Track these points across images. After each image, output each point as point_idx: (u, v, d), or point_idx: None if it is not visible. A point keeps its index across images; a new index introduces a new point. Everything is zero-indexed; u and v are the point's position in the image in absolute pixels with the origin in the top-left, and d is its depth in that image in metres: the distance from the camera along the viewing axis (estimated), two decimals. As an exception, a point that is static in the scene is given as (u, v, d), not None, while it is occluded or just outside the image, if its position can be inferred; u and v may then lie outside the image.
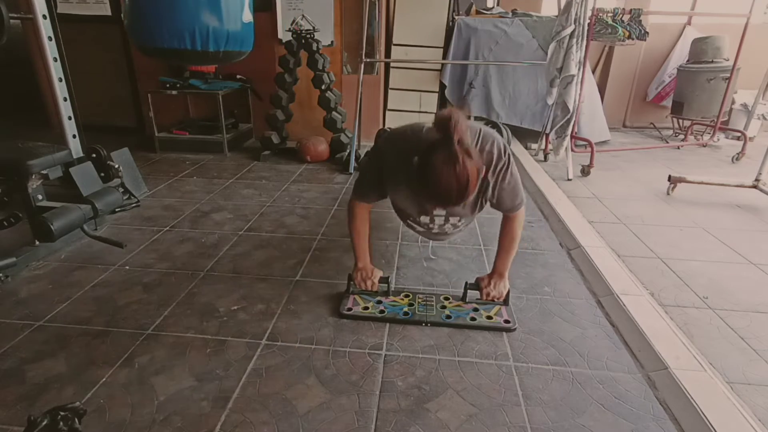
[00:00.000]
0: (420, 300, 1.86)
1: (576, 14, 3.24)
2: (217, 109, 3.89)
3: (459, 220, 1.82)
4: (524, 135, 4.58)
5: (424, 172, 1.33)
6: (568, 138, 3.47)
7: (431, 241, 2.28)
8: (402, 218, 1.94)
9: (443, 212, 1.77)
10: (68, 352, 1.55)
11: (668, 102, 5.00)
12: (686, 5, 5.06)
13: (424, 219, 1.82)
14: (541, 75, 4.42)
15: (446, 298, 1.88)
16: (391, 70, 4.61)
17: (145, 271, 2.09)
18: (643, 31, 4.21)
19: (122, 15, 2.21)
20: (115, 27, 4.36)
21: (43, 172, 2.17)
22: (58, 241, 2.12)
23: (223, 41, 2.14)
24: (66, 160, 2.30)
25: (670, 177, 3.18)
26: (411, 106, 4.71)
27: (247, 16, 2.25)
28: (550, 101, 3.53)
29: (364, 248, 1.88)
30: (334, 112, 3.81)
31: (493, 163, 1.58)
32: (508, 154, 1.61)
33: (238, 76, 4.29)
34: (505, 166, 1.60)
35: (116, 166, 2.64)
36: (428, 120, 2.96)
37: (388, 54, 4.55)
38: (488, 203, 1.70)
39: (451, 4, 4.51)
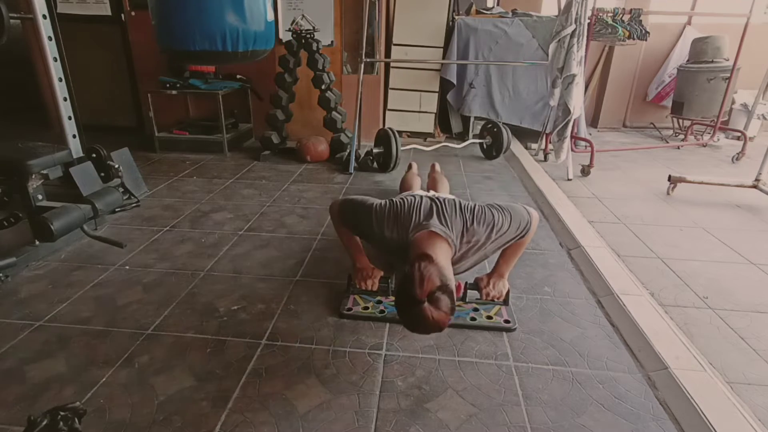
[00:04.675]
0: (420, 300, 1.85)
1: (576, 14, 3.24)
2: (217, 109, 3.89)
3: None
4: (524, 135, 4.58)
5: (399, 307, 1.33)
6: (568, 140, 3.47)
7: None
8: None
9: None
10: (68, 352, 1.55)
11: (668, 102, 5.00)
12: (686, 5, 5.06)
13: None
14: (542, 75, 4.44)
15: (446, 298, 1.88)
16: (391, 70, 4.61)
17: (145, 271, 2.09)
18: (643, 31, 4.22)
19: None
20: (115, 27, 4.37)
21: (43, 172, 2.17)
22: (58, 241, 2.12)
23: (251, 41, 2.22)
24: (66, 160, 2.30)
25: (670, 177, 3.18)
26: (411, 106, 4.71)
27: (270, 15, 2.35)
28: (552, 102, 3.52)
29: (358, 249, 1.86)
30: (334, 112, 3.81)
31: (484, 238, 1.59)
32: (495, 217, 1.60)
33: (238, 76, 4.29)
34: (500, 230, 1.60)
35: (116, 166, 2.64)
36: (422, 176, 2.93)
37: (388, 54, 4.55)
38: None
39: (451, 4, 4.50)
